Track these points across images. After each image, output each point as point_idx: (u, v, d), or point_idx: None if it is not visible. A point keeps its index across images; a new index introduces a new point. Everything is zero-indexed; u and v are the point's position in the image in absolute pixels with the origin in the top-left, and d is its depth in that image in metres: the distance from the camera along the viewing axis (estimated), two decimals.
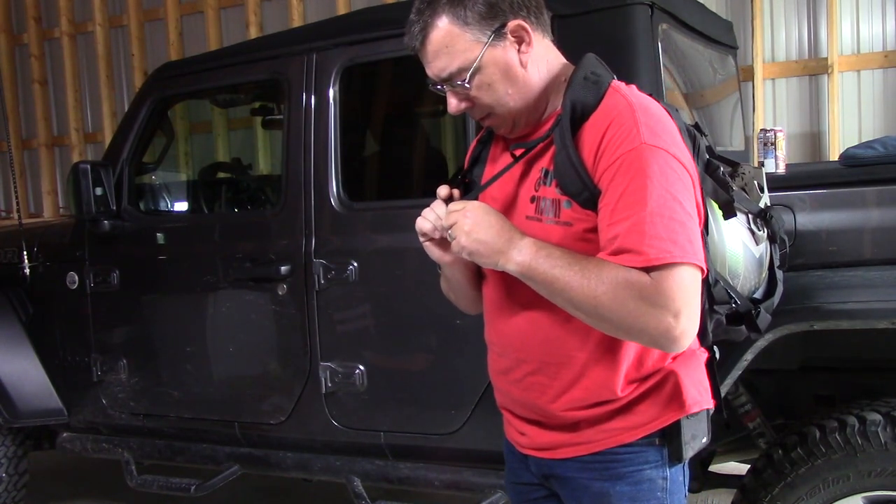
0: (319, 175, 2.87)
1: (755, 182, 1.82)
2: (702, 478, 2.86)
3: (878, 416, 2.20)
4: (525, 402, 1.59)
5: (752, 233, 1.69)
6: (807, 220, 2.26)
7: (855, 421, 2.21)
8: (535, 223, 1.47)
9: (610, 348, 1.47)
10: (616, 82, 1.48)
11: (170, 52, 6.11)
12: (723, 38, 3.42)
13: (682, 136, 1.47)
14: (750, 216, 1.71)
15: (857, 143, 2.65)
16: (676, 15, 2.75)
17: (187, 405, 3.21)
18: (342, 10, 5.43)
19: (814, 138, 4.52)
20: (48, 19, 6.81)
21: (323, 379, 2.88)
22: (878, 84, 4.41)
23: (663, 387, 1.49)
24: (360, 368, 2.82)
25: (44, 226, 4.10)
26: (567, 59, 1.57)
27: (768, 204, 1.81)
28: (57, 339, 3.49)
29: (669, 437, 1.51)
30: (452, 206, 1.48)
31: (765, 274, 1.75)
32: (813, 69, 4.49)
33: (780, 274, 1.78)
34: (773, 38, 4.57)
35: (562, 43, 2.19)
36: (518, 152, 1.52)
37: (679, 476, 1.55)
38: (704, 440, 1.55)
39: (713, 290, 1.60)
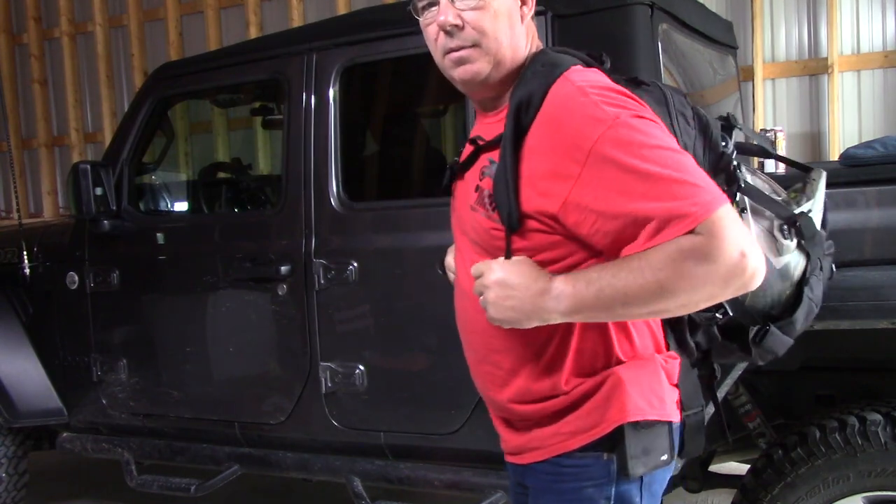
0: (319, 175, 2.87)
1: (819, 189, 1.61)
2: (702, 478, 2.86)
3: (878, 416, 2.20)
4: (487, 397, 1.56)
5: (775, 240, 1.47)
6: None
7: (855, 421, 2.21)
8: (475, 214, 1.44)
9: (548, 338, 1.41)
10: (573, 69, 1.39)
11: (170, 52, 6.11)
12: (723, 38, 3.42)
13: (678, 121, 1.41)
14: (775, 221, 1.47)
15: (857, 143, 2.65)
16: (676, 15, 2.75)
17: (187, 405, 3.21)
18: (342, 10, 5.43)
19: (814, 138, 4.52)
20: (48, 19, 6.81)
21: (323, 379, 2.88)
22: (878, 84, 4.40)
23: (605, 390, 1.41)
24: (360, 368, 2.82)
25: (44, 226, 4.10)
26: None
27: (808, 210, 1.53)
28: (57, 339, 3.48)
29: (618, 451, 1.40)
30: (474, 270, 1.40)
31: (790, 290, 1.50)
32: (813, 69, 4.49)
33: (811, 290, 1.51)
34: (773, 38, 4.57)
35: (562, 43, 2.19)
36: (481, 143, 1.48)
37: (635, 497, 1.43)
38: (664, 457, 1.42)
39: None
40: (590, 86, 1.33)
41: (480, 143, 1.47)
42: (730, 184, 1.43)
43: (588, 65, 1.44)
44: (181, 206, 4.12)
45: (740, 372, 2.22)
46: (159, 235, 3.31)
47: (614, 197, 1.27)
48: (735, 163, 1.45)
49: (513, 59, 1.43)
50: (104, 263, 3.33)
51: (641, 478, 1.42)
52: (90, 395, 3.41)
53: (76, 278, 3.38)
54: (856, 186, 2.28)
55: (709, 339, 1.49)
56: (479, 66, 1.42)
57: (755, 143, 1.64)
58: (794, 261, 1.48)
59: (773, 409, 2.70)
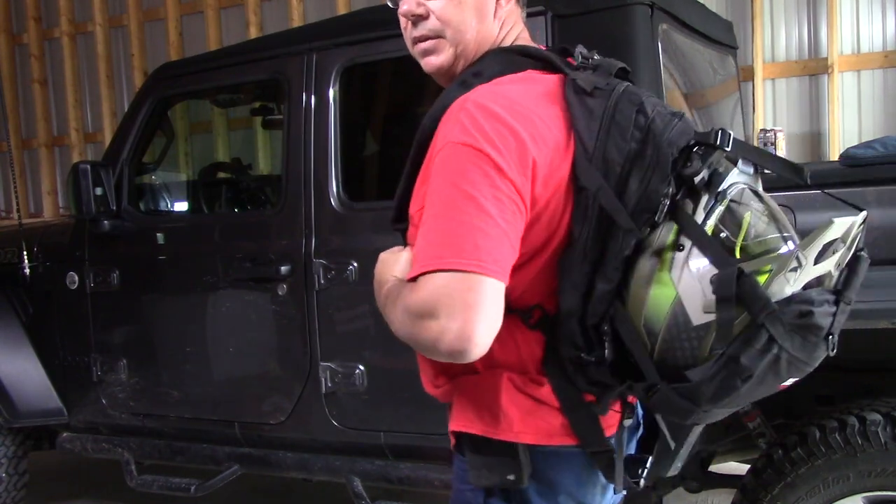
0: (319, 175, 2.87)
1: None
2: (702, 478, 2.86)
3: (878, 416, 2.20)
4: None
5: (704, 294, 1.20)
6: (807, 220, 2.25)
7: (855, 421, 2.21)
8: None
9: None
10: (490, 84, 1.31)
11: (170, 52, 6.11)
12: (723, 38, 3.42)
13: (612, 135, 1.25)
14: (709, 272, 1.20)
15: (857, 143, 2.65)
16: (676, 15, 2.75)
17: (187, 405, 3.21)
18: (342, 10, 5.42)
19: (814, 138, 4.52)
20: (48, 19, 6.81)
21: (323, 379, 2.88)
22: (878, 84, 4.40)
23: (454, 396, 1.41)
24: (360, 368, 2.82)
25: (44, 226, 4.10)
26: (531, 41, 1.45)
27: (769, 267, 1.20)
28: (57, 339, 3.48)
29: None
30: None
31: (708, 351, 1.21)
32: (813, 69, 4.49)
33: (732, 361, 1.18)
34: (773, 38, 4.57)
35: (562, 43, 2.16)
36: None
37: None
38: (510, 477, 1.33)
39: (567, 326, 1.27)
40: (472, 104, 1.25)
41: None
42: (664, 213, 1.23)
43: (550, 65, 1.36)
44: (181, 206, 4.13)
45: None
46: (159, 235, 3.31)
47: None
48: (671, 194, 1.23)
49: (476, 53, 1.40)
50: (104, 263, 3.33)
51: (521, 492, 1.35)
52: (90, 395, 3.41)
53: (76, 278, 3.38)
54: (856, 186, 2.28)
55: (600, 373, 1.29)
56: (443, 59, 1.41)
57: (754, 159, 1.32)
58: (718, 323, 1.20)
59: (773, 409, 2.70)
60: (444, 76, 1.43)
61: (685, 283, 1.21)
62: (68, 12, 6.60)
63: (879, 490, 2.20)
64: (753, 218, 1.22)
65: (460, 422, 1.38)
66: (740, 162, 1.27)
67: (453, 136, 1.23)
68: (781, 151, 2.96)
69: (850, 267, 1.27)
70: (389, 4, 1.46)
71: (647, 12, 2.49)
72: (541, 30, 2.48)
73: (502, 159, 1.20)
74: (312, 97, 2.90)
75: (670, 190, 1.23)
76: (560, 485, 1.36)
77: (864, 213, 1.28)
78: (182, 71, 3.34)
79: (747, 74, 4.40)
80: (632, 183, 1.24)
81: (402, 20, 1.43)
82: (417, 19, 1.40)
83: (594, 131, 1.26)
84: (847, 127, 4.43)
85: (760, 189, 1.29)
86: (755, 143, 3.25)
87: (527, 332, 1.33)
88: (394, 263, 1.36)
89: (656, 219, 1.22)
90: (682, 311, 1.20)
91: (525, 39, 1.46)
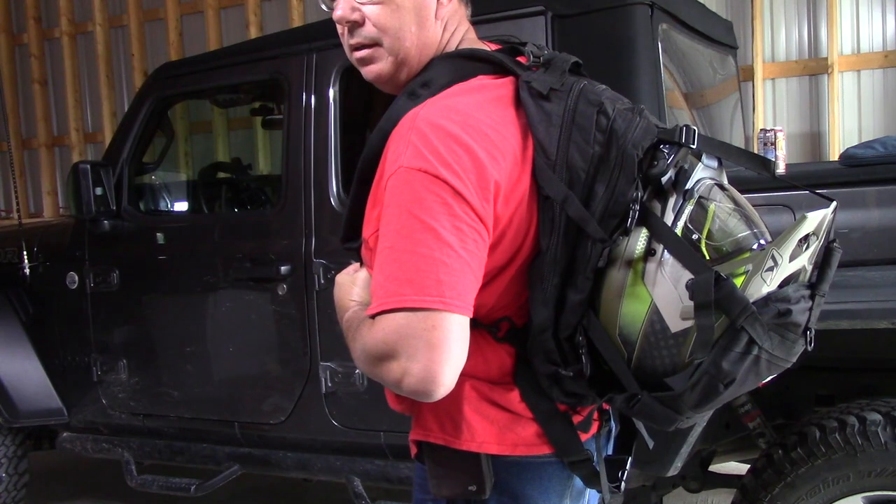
0: (319, 175, 2.87)
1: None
2: (702, 478, 2.86)
3: (878, 416, 2.20)
4: None
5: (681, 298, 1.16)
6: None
7: (855, 421, 2.22)
8: None
9: None
10: (440, 96, 1.24)
11: (170, 52, 6.10)
12: (723, 38, 3.42)
13: (574, 137, 1.20)
14: (684, 277, 1.15)
15: (857, 143, 2.65)
16: (676, 15, 2.76)
17: (187, 405, 3.21)
18: None
19: (814, 138, 4.52)
20: (48, 19, 6.81)
21: (323, 379, 2.88)
22: (878, 84, 4.40)
23: (416, 404, 1.35)
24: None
25: (44, 226, 4.10)
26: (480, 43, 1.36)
27: (744, 269, 1.15)
28: (57, 339, 3.49)
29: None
30: None
31: (687, 357, 1.17)
32: (813, 69, 4.49)
33: (713, 365, 1.14)
34: (773, 38, 4.57)
35: (562, 43, 2.15)
36: None
37: None
38: (472, 488, 1.29)
39: (541, 342, 1.23)
40: (423, 122, 1.18)
41: None
42: (633, 219, 1.18)
43: (500, 68, 1.29)
44: (181, 206, 4.12)
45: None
46: (159, 235, 3.30)
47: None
48: (641, 196, 1.18)
49: (419, 59, 1.32)
50: (104, 263, 3.33)
51: (483, 503, 1.31)
52: (90, 395, 3.41)
53: (76, 278, 3.38)
54: (856, 186, 2.28)
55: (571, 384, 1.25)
56: (381, 67, 1.33)
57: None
58: (695, 329, 1.17)
59: (773, 409, 2.70)
60: (386, 84, 1.37)
61: (660, 290, 1.16)
62: (68, 12, 6.60)
63: (879, 490, 2.20)
64: (719, 211, 1.18)
65: (420, 430, 1.34)
66: (704, 156, 1.22)
67: (405, 159, 1.15)
68: (781, 151, 2.96)
69: (824, 260, 1.23)
70: (324, 8, 1.37)
71: (647, 12, 2.49)
72: (541, 30, 2.48)
73: (461, 184, 1.13)
74: (312, 97, 2.90)
75: (639, 194, 1.17)
76: (524, 496, 1.32)
77: (833, 204, 1.22)
78: (182, 71, 3.34)
79: (747, 74, 4.40)
80: (598, 188, 1.18)
81: (339, 26, 1.34)
82: (353, 26, 1.31)
83: (555, 138, 1.20)
84: (847, 127, 4.43)
85: (726, 183, 1.25)
86: (755, 143, 3.25)
87: (496, 345, 1.28)
88: (351, 286, 1.32)
89: (628, 225, 1.17)
90: (658, 318, 1.16)
91: (471, 40, 1.38)
